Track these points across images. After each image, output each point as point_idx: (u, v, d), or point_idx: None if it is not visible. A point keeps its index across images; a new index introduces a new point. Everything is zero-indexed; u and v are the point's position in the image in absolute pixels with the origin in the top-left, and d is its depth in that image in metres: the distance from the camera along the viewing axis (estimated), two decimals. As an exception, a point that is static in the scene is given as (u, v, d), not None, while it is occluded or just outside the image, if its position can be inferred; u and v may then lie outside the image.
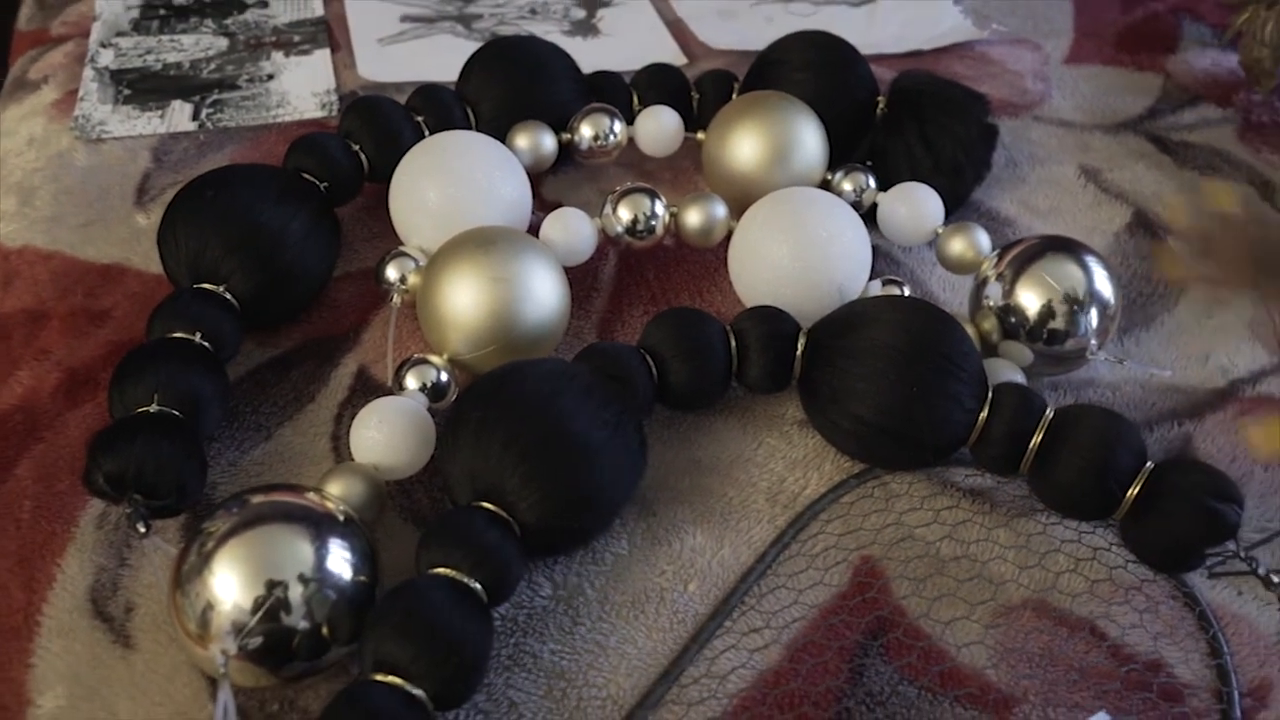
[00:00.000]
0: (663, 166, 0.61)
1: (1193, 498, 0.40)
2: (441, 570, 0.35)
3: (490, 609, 0.36)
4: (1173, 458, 0.42)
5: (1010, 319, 0.48)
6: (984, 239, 0.52)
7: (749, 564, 0.42)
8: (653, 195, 0.51)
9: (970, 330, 0.50)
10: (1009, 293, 0.48)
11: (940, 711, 0.37)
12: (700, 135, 0.58)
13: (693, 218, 0.51)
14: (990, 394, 0.43)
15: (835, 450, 0.46)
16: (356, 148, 0.53)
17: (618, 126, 0.57)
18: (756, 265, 0.49)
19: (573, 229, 0.49)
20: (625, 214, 0.51)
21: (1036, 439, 0.42)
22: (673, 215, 0.52)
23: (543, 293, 0.46)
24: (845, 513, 0.44)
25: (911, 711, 0.37)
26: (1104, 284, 0.48)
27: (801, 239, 0.48)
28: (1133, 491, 0.41)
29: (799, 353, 0.45)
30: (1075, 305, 0.47)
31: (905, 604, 0.40)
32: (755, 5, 0.77)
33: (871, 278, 0.51)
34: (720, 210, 0.52)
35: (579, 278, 0.53)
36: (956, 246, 0.52)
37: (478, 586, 0.35)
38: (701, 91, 0.62)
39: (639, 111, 0.59)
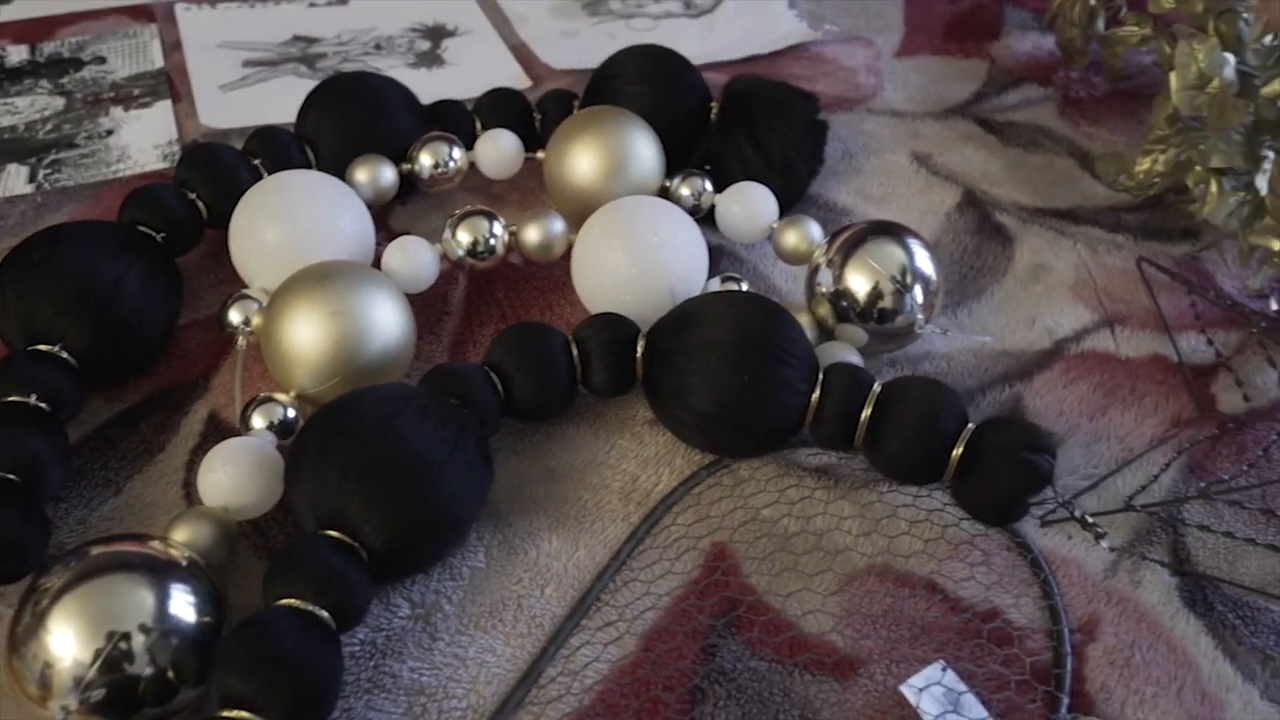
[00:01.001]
0: (510, 188, 0.62)
1: (1008, 452, 0.43)
2: (287, 601, 0.36)
3: (339, 635, 0.36)
4: (990, 417, 0.45)
5: (842, 303, 0.51)
6: (815, 230, 0.55)
7: (605, 563, 0.43)
8: (490, 216, 0.52)
9: (806, 317, 0.52)
10: (839, 278, 0.51)
11: (789, 679, 0.39)
12: (541, 154, 0.60)
13: (532, 235, 0.53)
14: (821, 376, 0.46)
15: (685, 445, 0.48)
16: (193, 196, 0.53)
17: (457, 153, 0.58)
18: (596, 275, 0.51)
19: (413, 256, 0.50)
20: (465, 237, 0.52)
21: (866, 413, 0.45)
22: (512, 234, 0.53)
23: (384, 322, 0.46)
24: (696, 503, 0.45)
25: (761, 683, 0.39)
26: (925, 262, 0.51)
27: (635, 245, 0.50)
28: (957, 453, 0.44)
29: (639, 355, 0.47)
30: (900, 285, 0.50)
31: (752, 582, 0.42)
32: (597, 24, 0.79)
33: (712, 276, 0.53)
34: (558, 225, 0.53)
35: (428, 303, 0.54)
36: (791, 239, 0.55)
37: (324, 614, 0.36)
38: (543, 111, 0.63)
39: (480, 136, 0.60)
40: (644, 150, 0.57)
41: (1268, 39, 0.61)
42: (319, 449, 0.39)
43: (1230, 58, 0.59)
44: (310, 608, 0.36)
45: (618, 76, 0.62)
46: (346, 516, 0.38)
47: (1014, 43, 0.80)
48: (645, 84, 0.61)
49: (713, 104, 0.63)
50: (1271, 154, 0.59)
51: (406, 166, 0.58)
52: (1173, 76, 0.60)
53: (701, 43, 0.77)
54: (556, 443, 0.48)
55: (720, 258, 0.59)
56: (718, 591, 0.42)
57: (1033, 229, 0.62)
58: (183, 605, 0.35)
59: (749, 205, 0.56)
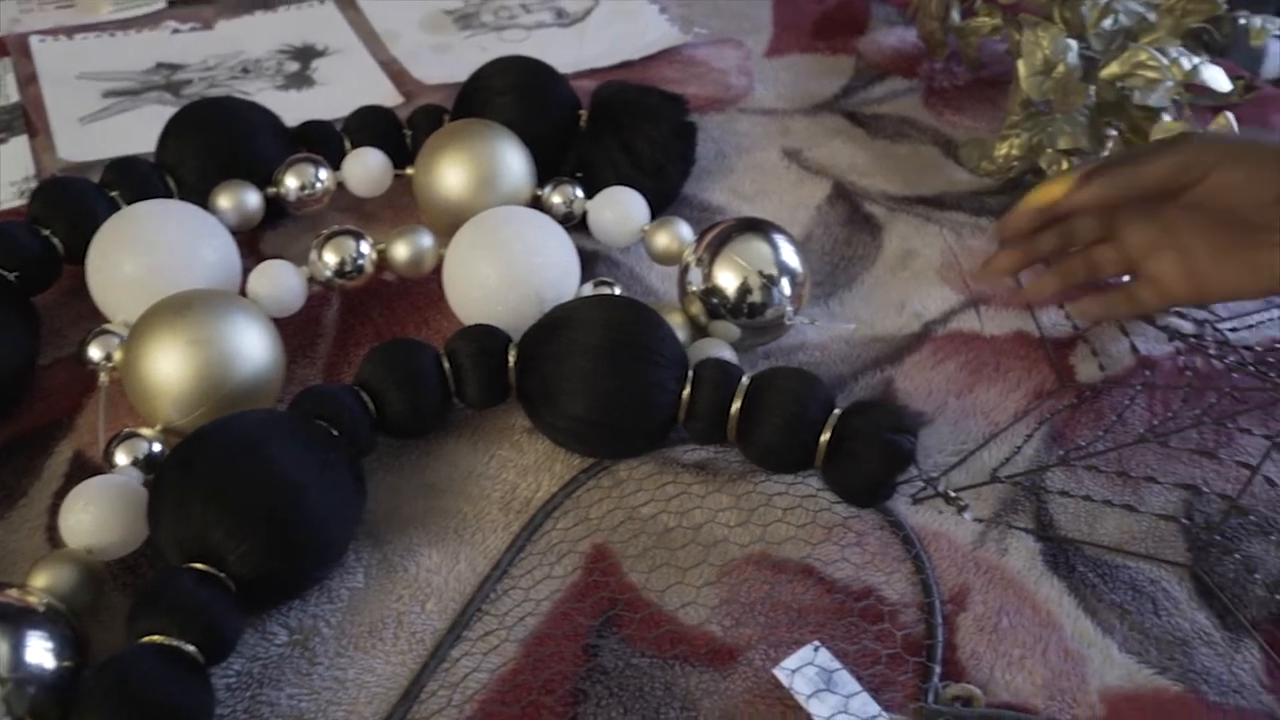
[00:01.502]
0: (384, 206, 0.62)
1: (872, 435, 0.44)
2: (150, 638, 0.35)
3: (208, 669, 0.36)
4: (856, 402, 0.46)
5: (713, 299, 0.51)
6: (685, 230, 0.56)
7: (486, 573, 0.43)
8: (357, 236, 0.52)
9: (679, 316, 0.53)
10: (708, 276, 0.52)
11: (669, 672, 0.40)
12: (410, 170, 0.59)
13: (400, 251, 0.53)
14: (691, 373, 0.46)
15: (565, 451, 0.48)
16: (47, 232, 0.52)
17: (323, 174, 0.58)
18: (467, 287, 0.51)
19: (279, 281, 0.50)
20: (332, 258, 0.51)
21: (735, 407, 0.45)
22: (381, 252, 0.53)
23: (249, 348, 0.46)
24: (576, 507, 0.46)
25: (642, 678, 0.39)
26: (790, 256, 0.52)
27: (503, 255, 0.50)
28: (824, 439, 0.45)
29: (512, 364, 0.47)
30: (767, 279, 0.51)
31: (631, 579, 0.43)
32: (469, 37, 0.79)
33: (585, 281, 0.54)
34: (426, 240, 0.53)
35: (300, 327, 0.53)
36: (662, 240, 0.56)
37: (191, 649, 0.35)
38: (414, 127, 0.63)
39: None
40: (512, 161, 0.57)
41: (1107, 23, 0.64)
42: (179, 480, 0.39)
43: (1073, 43, 0.61)
44: (175, 643, 0.35)
45: (485, 89, 0.62)
46: (211, 547, 0.37)
47: (879, 38, 0.82)
48: (512, 94, 0.61)
49: (582, 111, 0.63)
50: (1114, 133, 0.62)
51: (273, 190, 0.57)
52: (1020, 64, 0.63)
53: (574, 51, 0.77)
54: (435, 457, 0.48)
55: (596, 263, 0.59)
56: (596, 592, 0.42)
57: (900, 217, 0.64)
58: (39, 652, 0.35)
59: (619, 210, 0.57)
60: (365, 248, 0.52)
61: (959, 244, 0.62)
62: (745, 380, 0.46)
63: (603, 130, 0.62)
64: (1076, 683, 0.40)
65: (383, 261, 0.53)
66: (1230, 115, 0.58)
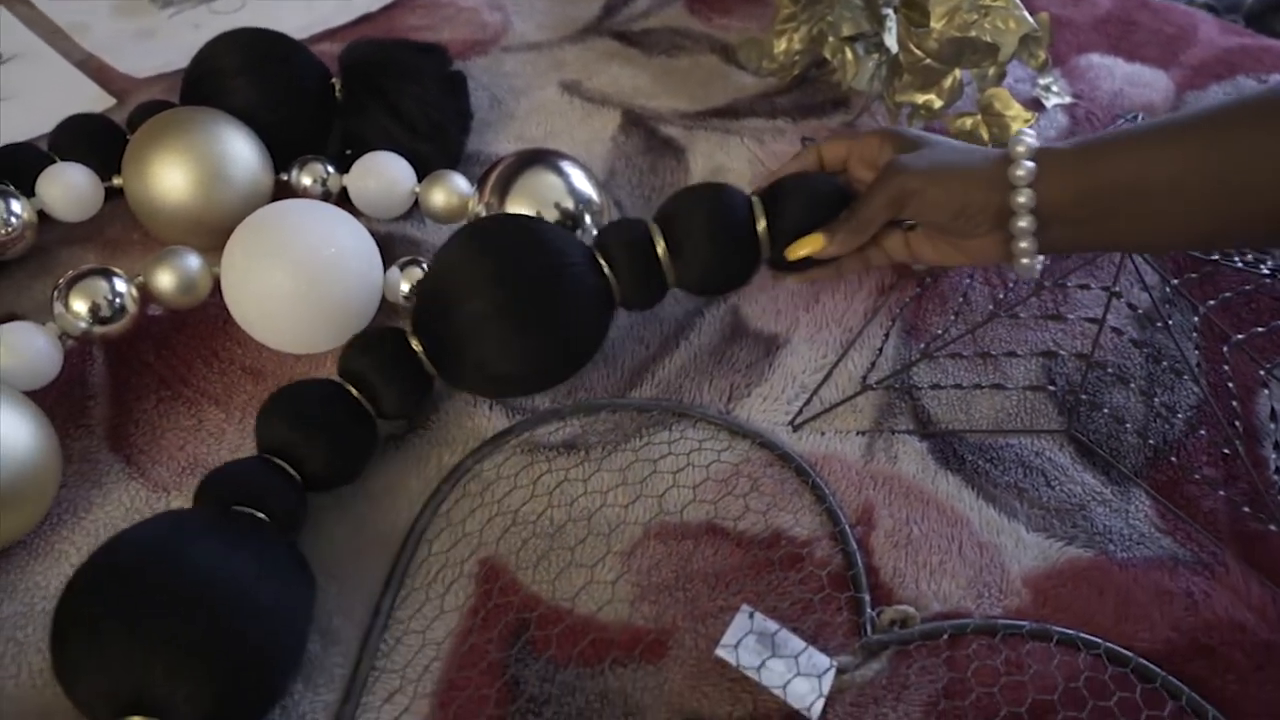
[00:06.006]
0: (130, 228, 0.53)
1: (805, 185, 0.44)
2: None
3: None
4: (764, 187, 0.45)
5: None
6: (460, 181, 0.51)
7: (368, 624, 0.38)
8: (107, 273, 0.44)
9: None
10: None
11: (603, 680, 0.36)
12: (118, 181, 0.50)
13: (165, 280, 0.45)
14: (598, 252, 0.43)
15: (415, 466, 0.43)
16: None
17: (16, 205, 0.47)
18: (258, 300, 0.43)
19: (22, 346, 0.41)
20: (81, 305, 0.43)
21: (660, 248, 0.43)
22: (140, 286, 0.44)
23: (6, 435, 0.37)
24: (448, 523, 0.41)
25: (576, 695, 0.35)
26: (583, 183, 0.49)
27: (292, 256, 0.43)
28: (761, 226, 0.44)
29: (423, 357, 0.42)
30: (564, 211, 0.48)
31: (536, 590, 0.38)
32: (175, 14, 0.69)
33: (389, 265, 0.48)
34: (193, 261, 0.45)
35: (63, 393, 0.44)
36: (439, 198, 0.51)
37: None
38: (136, 129, 0.53)
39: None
40: (238, 146, 0.49)
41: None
42: (95, 618, 0.31)
43: (832, -75, 0.60)
44: None
45: (215, 72, 0.53)
46: (150, 694, 0.30)
47: (623, -52, 0.78)
48: (248, 75, 0.53)
49: (334, 80, 0.56)
50: (891, 12, 0.61)
51: (-46, 241, 0.47)
52: (783, -46, 0.60)
53: (302, 14, 0.69)
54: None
55: (391, 245, 0.53)
56: (501, 616, 0.37)
57: (699, 134, 0.61)
58: None
59: (383, 176, 0.51)
60: (121, 285, 0.44)
61: (763, 150, 0.60)
62: (650, 223, 0.44)
63: (363, 98, 0.55)
64: (998, 574, 0.40)
65: (146, 295, 0.45)
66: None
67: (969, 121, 0.55)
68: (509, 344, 0.41)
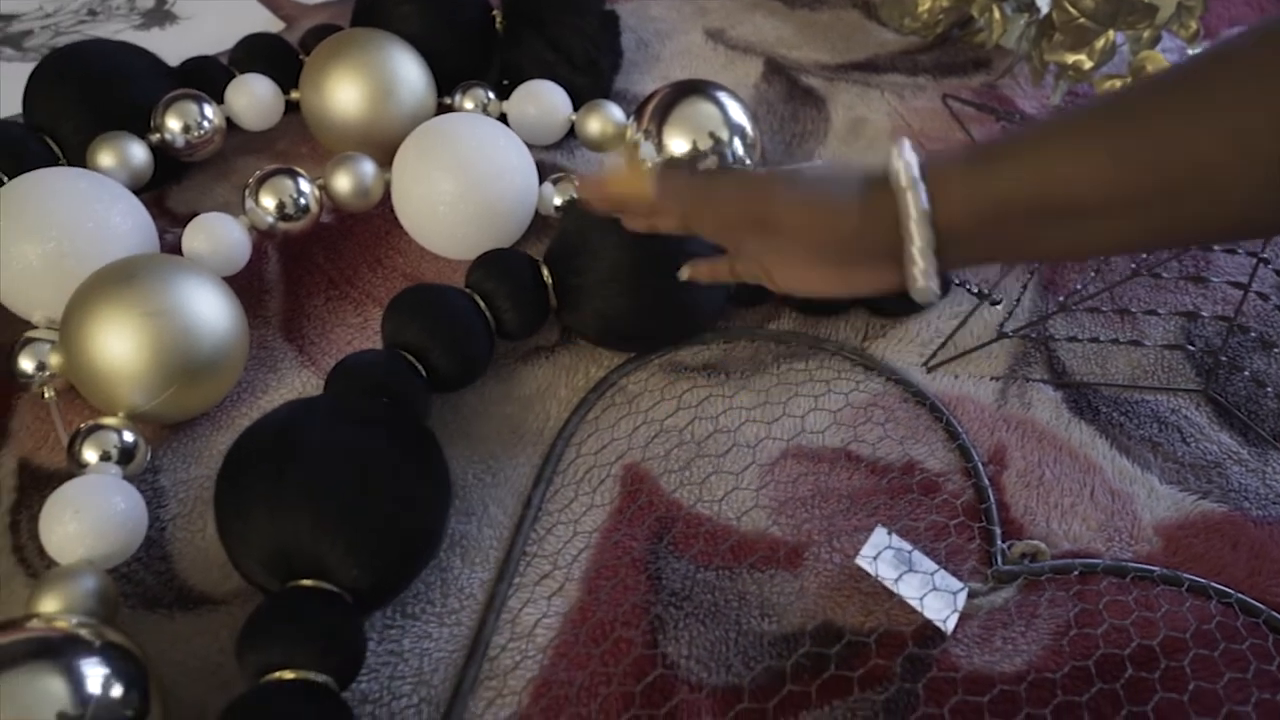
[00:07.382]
0: (299, 142, 0.56)
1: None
2: (279, 675, 0.30)
3: (341, 694, 0.32)
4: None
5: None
6: (615, 110, 0.53)
7: (520, 514, 0.40)
8: (293, 173, 0.47)
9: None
10: (660, 147, 0.49)
11: (742, 582, 0.38)
12: (295, 94, 0.54)
13: (342, 183, 0.47)
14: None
15: (564, 375, 0.45)
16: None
17: (209, 110, 0.51)
18: (425, 204, 0.46)
19: (219, 235, 0.44)
20: (270, 201, 0.46)
21: None
22: (321, 188, 0.48)
23: (208, 313, 0.40)
24: (595, 429, 0.43)
25: (715, 594, 0.37)
26: (738, 113, 0.50)
27: (459, 163, 0.46)
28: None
29: (550, 287, 0.44)
30: (718, 140, 0.49)
31: (678, 496, 0.40)
32: (340, -52, 0.72)
33: (542, 181, 0.50)
34: (368, 166, 0.48)
35: (242, 286, 0.48)
36: (594, 126, 0.52)
37: (324, 679, 0.31)
38: (308, 50, 0.57)
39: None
40: (407, 69, 0.52)
41: None
42: (269, 492, 0.33)
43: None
44: (309, 676, 0.31)
45: (382, 1, 0.56)
46: (328, 566, 0.33)
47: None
48: (415, 3, 0.56)
49: (495, 13, 0.58)
50: (1046, -29, 0.61)
51: (156, 137, 0.50)
52: (940, -90, 0.61)
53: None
54: (431, 403, 0.44)
55: (545, 173, 0.55)
56: (647, 514, 0.40)
57: (840, 86, 0.62)
58: (100, 680, 0.30)
59: (542, 103, 0.53)
60: (305, 185, 0.47)
61: (904, 105, 0.60)
62: None
63: (524, 30, 0.57)
64: (1130, 520, 0.41)
65: (325, 197, 0.48)
66: None
67: (1118, 84, 0.55)
68: (632, 302, 0.42)
